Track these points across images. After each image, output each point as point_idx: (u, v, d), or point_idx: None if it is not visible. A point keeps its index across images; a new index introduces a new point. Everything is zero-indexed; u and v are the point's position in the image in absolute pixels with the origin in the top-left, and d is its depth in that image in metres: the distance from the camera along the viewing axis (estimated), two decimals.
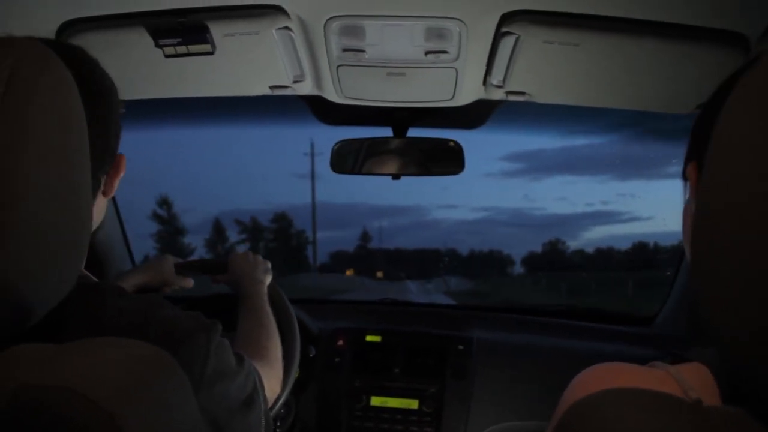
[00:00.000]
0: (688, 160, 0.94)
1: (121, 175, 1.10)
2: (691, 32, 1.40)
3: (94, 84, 1.02)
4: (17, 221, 0.67)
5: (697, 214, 0.63)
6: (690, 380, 0.71)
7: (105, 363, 0.70)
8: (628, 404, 0.61)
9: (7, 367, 0.67)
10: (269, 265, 1.75)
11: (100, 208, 1.12)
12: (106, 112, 1.03)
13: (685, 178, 0.98)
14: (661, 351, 2.23)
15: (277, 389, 1.44)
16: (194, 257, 2.01)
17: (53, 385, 0.65)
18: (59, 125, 0.73)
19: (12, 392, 0.64)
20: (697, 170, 0.89)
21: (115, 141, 1.08)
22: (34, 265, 0.70)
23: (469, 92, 1.76)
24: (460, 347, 2.21)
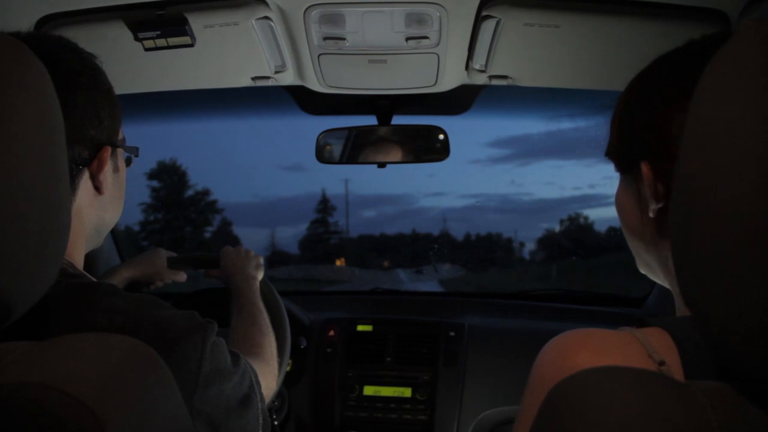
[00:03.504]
0: (630, 158, 0.94)
1: (106, 168, 1.09)
2: (671, 11, 1.40)
3: (67, 72, 1.01)
4: None
5: (679, 201, 0.64)
6: (654, 344, 0.74)
7: (83, 357, 0.70)
8: (616, 383, 0.61)
9: None
10: (261, 260, 1.75)
11: (94, 205, 1.11)
12: (81, 101, 1.03)
13: (619, 168, 0.99)
14: None
15: (274, 386, 1.43)
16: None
17: (31, 382, 0.64)
18: (34, 120, 0.72)
19: None
20: (650, 167, 0.89)
21: (97, 131, 1.07)
22: (11, 261, 0.69)
23: (451, 77, 1.75)
24: (452, 334, 2.22)
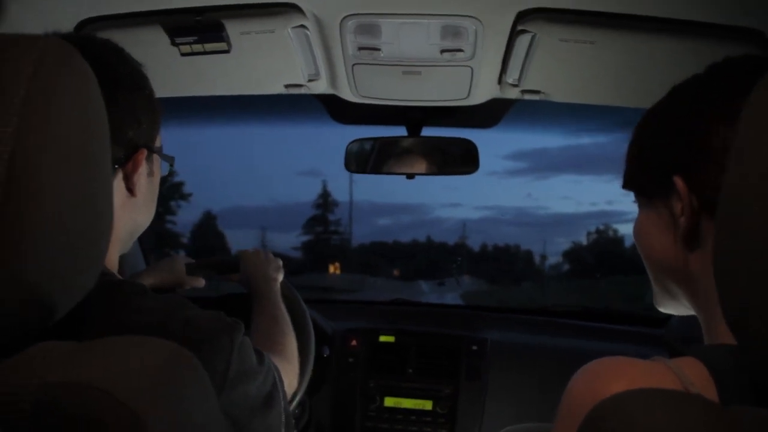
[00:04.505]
0: (658, 175, 0.93)
1: (140, 171, 1.10)
2: (707, 29, 1.39)
3: (111, 72, 1.03)
4: (38, 220, 0.67)
5: (725, 219, 0.63)
6: (689, 375, 0.72)
7: (127, 360, 0.70)
8: (659, 406, 0.60)
9: (30, 365, 0.67)
10: (281, 262, 1.75)
11: (127, 207, 1.12)
12: (121, 102, 1.04)
13: (644, 193, 0.98)
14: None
15: (295, 384, 1.45)
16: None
17: (76, 383, 0.65)
18: (80, 122, 0.73)
19: (35, 390, 0.64)
20: (684, 181, 0.88)
21: (135, 133, 1.08)
22: (56, 263, 0.70)
23: (484, 91, 1.75)
24: (474, 348, 2.21)
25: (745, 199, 0.59)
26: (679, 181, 0.88)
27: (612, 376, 0.74)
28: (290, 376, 1.39)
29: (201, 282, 1.82)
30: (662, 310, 1.01)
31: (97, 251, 0.79)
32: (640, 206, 1.00)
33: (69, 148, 0.71)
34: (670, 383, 0.72)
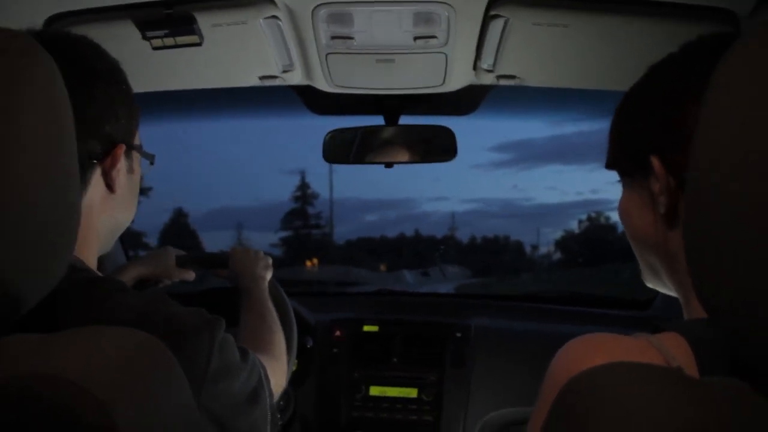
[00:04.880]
0: (637, 156, 0.94)
1: (118, 166, 1.09)
2: (680, 10, 1.39)
3: (87, 67, 1.02)
4: (3, 210, 0.67)
5: (692, 197, 0.63)
6: (670, 349, 0.74)
7: (95, 350, 0.70)
8: (628, 378, 0.61)
9: None
10: (270, 260, 1.75)
11: (107, 203, 1.11)
12: (98, 96, 1.04)
13: (625, 173, 1.00)
14: None
15: (283, 383, 1.44)
16: None
17: (43, 373, 0.64)
18: (43, 114, 0.73)
19: (2, 382, 0.64)
20: (661, 161, 0.89)
21: (113, 128, 1.08)
22: (20, 255, 0.70)
23: (459, 77, 1.75)
24: (458, 335, 2.21)
25: (712, 176, 0.60)
26: (655, 162, 0.89)
27: (593, 351, 0.75)
28: (278, 374, 1.38)
29: (191, 275, 1.81)
30: (649, 285, 1.03)
31: (64, 243, 0.78)
32: (623, 185, 1.01)
33: (31, 140, 0.70)
34: (651, 358, 0.73)
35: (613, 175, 1.02)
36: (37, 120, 0.72)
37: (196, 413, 0.90)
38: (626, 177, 0.99)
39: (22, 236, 0.69)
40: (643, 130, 0.94)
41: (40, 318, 0.79)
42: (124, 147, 1.10)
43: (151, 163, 1.24)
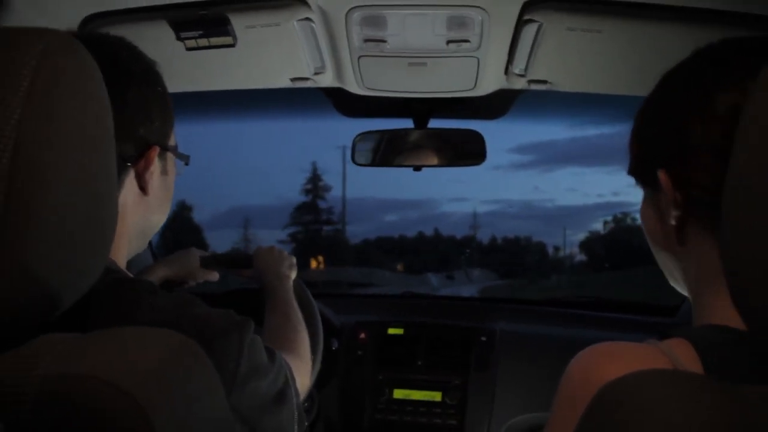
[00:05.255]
0: (649, 167, 0.94)
1: (152, 169, 1.10)
2: (714, 16, 1.38)
3: (122, 69, 1.03)
4: (42, 211, 0.67)
5: (733, 201, 0.63)
6: (678, 355, 0.75)
7: (130, 351, 0.70)
8: (670, 387, 0.60)
9: (33, 357, 0.67)
10: (294, 260, 1.75)
11: (140, 205, 1.12)
12: (132, 99, 1.04)
13: (640, 181, 1.00)
14: None
15: (308, 382, 1.44)
16: None
17: (79, 374, 0.65)
18: (85, 114, 0.73)
19: (37, 382, 0.64)
20: (668, 176, 0.89)
21: (147, 130, 1.08)
22: (60, 255, 0.70)
23: (490, 81, 1.75)
24: (483, 339, 2.20)
25: (755, 179, 0.59)
26: (662, 176, 0.90)
27: (606, 360, 0.77)
28: (303, 374, 1.38)
29: (215, 276, 1.82)
30: (672, 284, 1.03)
31: (101, 244, 0.79)
32: (644, 190, 1.01)
33: (72, 141, 0.71)
34: (661, 364, 0.75)
35: (633, 179, 1.03)
36: (79, 121, 0.72)
37: (230, 414, 0.90)
38: (643, 185, 0.99)
39: (61, 236, 0.70)
40: (652, 142, 0.95)
41: (71, 318, 0.79)
42: (158, 149, 1.10)
43: (186, 164, 1.24)
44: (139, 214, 1.12)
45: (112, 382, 0.64)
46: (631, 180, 1.03)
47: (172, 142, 1.18)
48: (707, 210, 0.84)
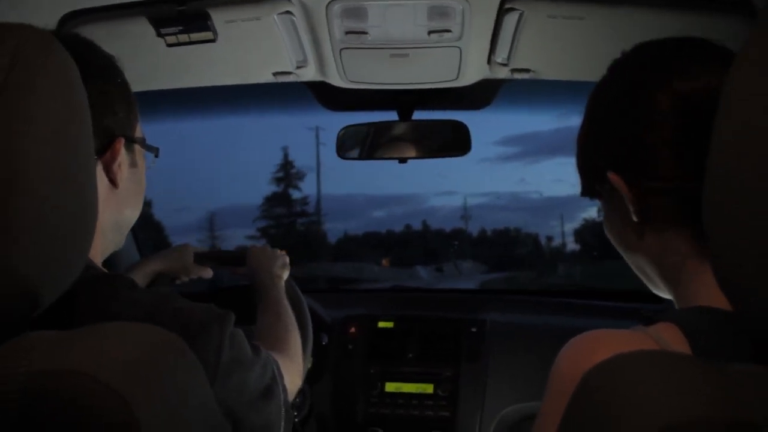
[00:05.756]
0: (599, 177, 0.97)
1: (119, 160, 1.09)
2: (696, 1, 1.39)
3: (80, 63, 1.02)
4: (21, 207, 0.67)
5: (715, 189, 0.64)
6: (666, 338, 0.77)
7: (115, 346, 0.70)
8: (650, 366, 0.61)
9: (16, 353, 0.66)
10: (287, 259, 1.75)
11: (111, 199, 1.10)
12: (93, 91, 1.03)
13: (593, 195, 1.03)
14: None
15: (299, 382, 1.43)
16: None
17: (63, 369, 0.64)
18: (62, 110, 0.73)
19: (22, 378, 0.64)
20: (621, 177, 0.92)
21: (110, 121, 1.07)
22: (40, 251, 0.70)
23: (473, 71, 1.74)
24: (473, 330, 2.21)
25: (735, 167, 0.60)
26: (614, 177, 0.93)
27: (594, 347, 0.78)
28: (293, 374, 1.37)
29: (208, 272, 1.82)
30: (654, 292, 1.05)
31: (82, 239, 0.78)
32: (602, 207, 1.03)
33: (51, 136, 0.70)
34: (649, 348, 0.75)
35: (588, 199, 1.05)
36: (56, 117, 0.72)
37: (216, 406, 0.90)
38: (598, 198, 1.02)
39: (42, 233, 0.69)
40: (601, 152, 0.98)
41: (52, 315, 0.79)
42: (123, 140, 1.09)
43: (156, 156, 1.23)
44: (111, 208, 1.11)
45: (98, 378, 0.64)
46: None
47: (138, 134, 1.17)
48: (665, 199, 0.89)
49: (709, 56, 0.91)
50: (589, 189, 1.02)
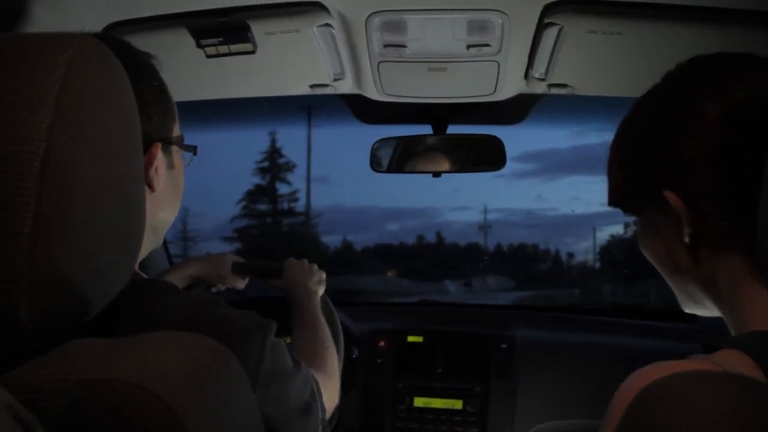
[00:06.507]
0: (642, 191, 0.92)
1: (156, 164, 1.07)
2: (737, 16, 1.37)
3: (133, 72, 1.02)
4: (74, 215, 0.67)
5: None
6: (736, 366, 0.71)
7: (160, 355, 0.70)
8: (705, 384, 0.59)
9: (65, 361, 0.67)
10: (324, 275, 1.75)
11: (147, 201, 1.09)
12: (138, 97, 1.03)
13: (637, 209, 0.97)
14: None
15: (336, 400, 1.42)
16: None
17: (111, 379, 0.64)
18: (113, 118, 0.73)
19: (71, 387, 0.64)
20: (676, 194, 0.86)
21: (146, 125, 1.05)
22: (92, 258, 0.70)
23: (510, 86, 1.74)
24: (504, 346, 2.19)
25: None
26: (671, 196, 0.87)
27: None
28: (330, 391, 1.36)
29: (241, 283, 1.83)
30: (688, 311, 1.00)
31: (130, 247, 0.78)
32: (638, 222, 0.99)
33: (102, 144, 0.71)
34: None
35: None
36: (108, 125, 0.72)
37: (258, 417, 0.90)
38: (638, 213, 0.97)
39: (92, 241, 0.70)
40: (643, 164, 0.92)
41: (94, 320, 0.79)
42: (160, 145, 1.08)
43: (195, 154, 1.21)
44: (148, 210, 1.11)
45: (145, 387, 0.64)
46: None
47: (176, 133, 1.15)
48: (719, 221, 0.83)
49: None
50: (632, 205, 0.98)
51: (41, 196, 0.64)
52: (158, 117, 1.09)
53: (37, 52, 0.69)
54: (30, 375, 0.65)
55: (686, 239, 0.86)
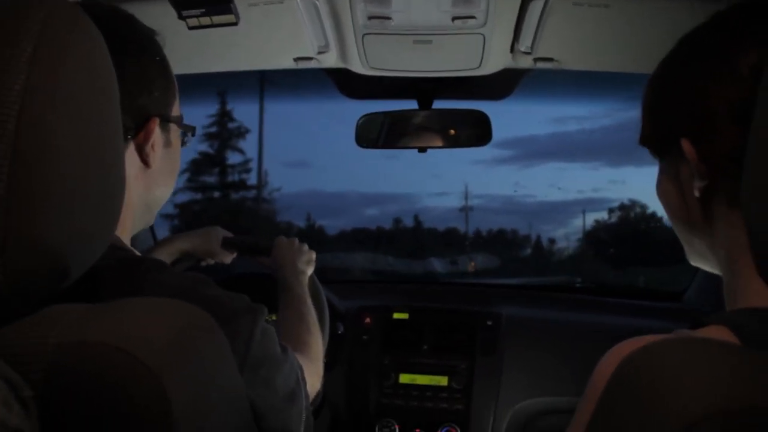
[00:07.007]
0: (666, 136, 0.91)
1: (152, 140, 1.06)
2: None
3: (118, 39, 1.00)
4: (49, 179, 0.66)
5: (757, 175, 0.61)
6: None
7: (142, 319, 0.70)
8: (687, 349, 0.59)
9: (44, 325, 0.66)
10: (314, 255, 1.74)
11: (142, 178, 1.09)
12: (129, 69, 1.01)
13: (656, 152, 0.96)
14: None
15: (318, 386, 1.40)
16: None
17: (91, 342, 0.64)
18: (89, 83, 0.72)
19: (50, 350, 0.63)
20: (693, 145, 0.85)
21: (146, 101, 1.05)
22: (66, 224, 0.69)
23: (496, 60, 1.72)
24: (489, 323, 2.20)
25: None
26: (686, 146, 0.85)
27: None
28: (314, 377, 1.35)
29: (229, 257, 1.82)
30: (692, 263, 0.99)
31: (109, 213, 0.78)
32: (659, 164, 0.97)
33: (78, 108, 0.70)
34: None
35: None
36: (84, 90, 0.71)
37: (243, 390, 0.89)
38: (660, 156, 0.96)
39: (69, 205, 0.69)
40: (670, 109, 0.91)
41: (77, 295, 0.78)
42: (158, 121, 1.07)
43: (192, 135, 1.21)
44: (142, 187, 1.09)
45: (126, 350, 0.64)
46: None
47: (175, 112, 1.14)
48: (732, 181, 0.78)
49: None
50: (650, 142, 0.96)
51: (15, 158, 0.63)
52: (159, 92, 1.08)
53: (8, 14, 0.68)
54: (7, 338, 0.65)
55: (696, 193, 0.85)
